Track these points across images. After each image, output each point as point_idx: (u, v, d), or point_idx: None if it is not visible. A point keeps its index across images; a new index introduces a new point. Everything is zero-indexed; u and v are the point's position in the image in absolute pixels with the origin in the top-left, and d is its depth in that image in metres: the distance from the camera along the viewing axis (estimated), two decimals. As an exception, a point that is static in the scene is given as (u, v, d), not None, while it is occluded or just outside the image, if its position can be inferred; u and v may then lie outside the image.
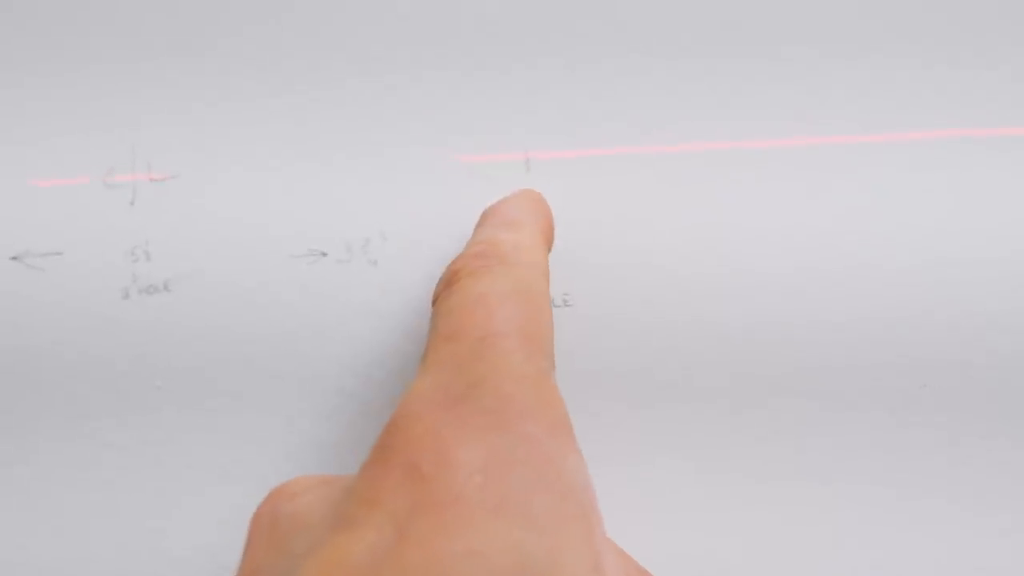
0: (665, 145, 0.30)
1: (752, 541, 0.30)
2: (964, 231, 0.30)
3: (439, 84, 0.31)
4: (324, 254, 0.31)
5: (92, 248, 0.31)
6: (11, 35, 0.32)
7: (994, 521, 0.29)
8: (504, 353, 0.22)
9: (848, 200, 0.30)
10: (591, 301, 0.30)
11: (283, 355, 0.31)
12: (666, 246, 0.30)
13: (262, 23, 0.31)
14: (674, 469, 0.30)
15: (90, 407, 0.31)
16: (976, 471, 0.29)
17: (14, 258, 0.32)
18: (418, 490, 0.19)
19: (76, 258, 0.31)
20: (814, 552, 0.30)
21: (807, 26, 0.30)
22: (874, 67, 0.30)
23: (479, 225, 0.28)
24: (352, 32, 0.31)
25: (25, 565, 0.31)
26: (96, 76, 0.32)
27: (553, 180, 0.31)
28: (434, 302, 0.25)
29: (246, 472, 0.31)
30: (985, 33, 0.30)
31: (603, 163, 0.31)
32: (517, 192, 0.29)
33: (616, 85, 0.31)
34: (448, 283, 0.24)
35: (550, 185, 0.30)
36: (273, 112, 0.31)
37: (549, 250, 0.28)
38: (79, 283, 0.31)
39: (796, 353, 0.30)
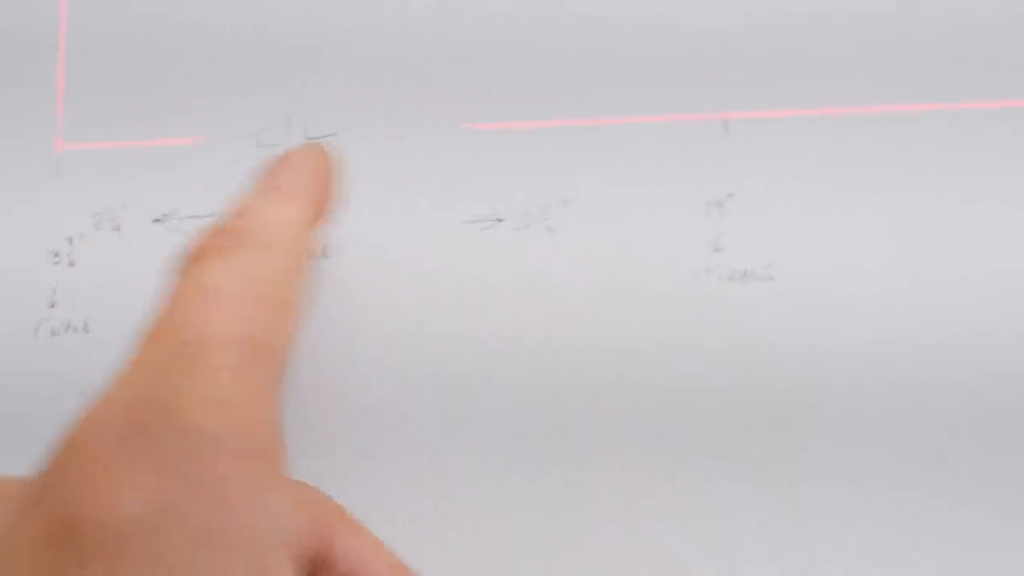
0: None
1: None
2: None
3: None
4: (500, 220, 0.28)
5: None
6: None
7: None
8: (209, 368, 0.19)
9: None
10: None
11: (458, 315, 0.28)
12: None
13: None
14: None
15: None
16: None
17: (157, 220, 0.29)
18: (69, 546, 0.17)
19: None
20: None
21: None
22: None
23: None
24: None
25: None
26: (245, 34, 0.30)
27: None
28: (171, 274, 0.21)
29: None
30: None
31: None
32: (300, 147, 0.25)
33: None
34: (187, 258, 0.21)
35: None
36: (436, 73, 0.29)
37: (321, 223, 0.24)
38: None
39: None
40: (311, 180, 0.24)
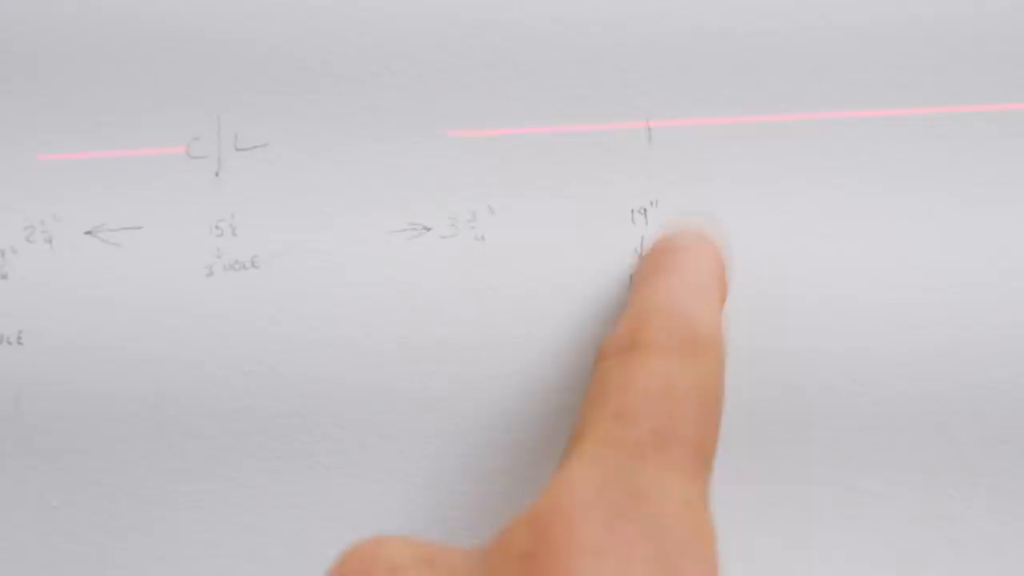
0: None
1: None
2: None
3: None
4: (427, 228, 0.28)
5: (174, 222, 0.29)
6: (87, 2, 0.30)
7: None
8: (673, 465, 0.20)
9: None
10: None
11: (381, 336, 0.28)
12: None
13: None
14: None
15: (169, 391, 0.28)
16: None
17: (89, 232, 0.29)
18: None
19: (156, 232, 0.29)
20: None
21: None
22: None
23: (654, 276, 0.25)
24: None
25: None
26: (177, 41, 0.30)
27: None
28: (603, 359, 0.22)
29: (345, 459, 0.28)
30: None
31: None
32: (699, 243, 0.26)
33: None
34: (631, 348, 0.22)
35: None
36: (371, 80, 0.29)
37: None
38: (159, 259, 0.29)
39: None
40: (716, 277, 0.25)
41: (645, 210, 0.28)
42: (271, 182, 0.29)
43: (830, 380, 0.27)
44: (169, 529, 0.28)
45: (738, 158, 0.28)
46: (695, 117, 0.28)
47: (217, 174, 0.29)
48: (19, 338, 0.29)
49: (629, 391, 0.21)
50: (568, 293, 0.28)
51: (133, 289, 0.29)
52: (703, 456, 0.20)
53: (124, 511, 0.28)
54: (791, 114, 0.28)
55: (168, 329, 0.29)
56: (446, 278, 0.28)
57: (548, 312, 0.28)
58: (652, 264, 0.26)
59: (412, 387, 0.28)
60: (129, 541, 0.28)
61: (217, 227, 0.29)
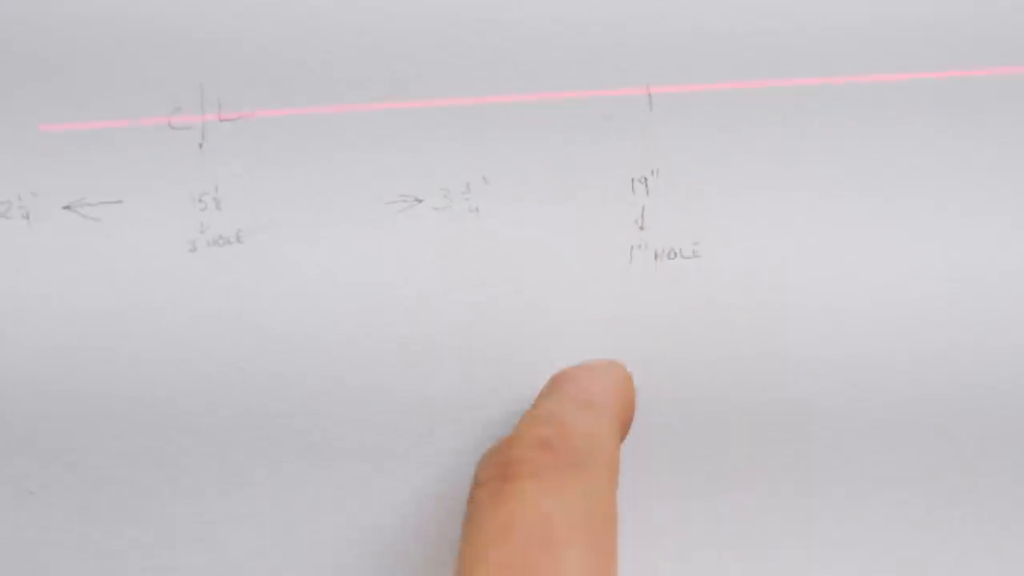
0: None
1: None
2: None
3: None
4: (419, 200, 0.27)
5: (155, 196, 0.28)
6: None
7: None
8: None
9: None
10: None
11: (372, 310, 0.27)
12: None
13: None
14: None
15: (150, 371, 0.27)
16: None
17: (67, 207, 0.28)
18: None
19: (137, 207, 0.28)
20: None
21: None
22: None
23: (548, 391, 0.24)
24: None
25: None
26: (158, 7, 0.28)
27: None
28: (478, 485, 0.20)
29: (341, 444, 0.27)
30: None
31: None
32: (602, 362, 0.25)
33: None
34: (503, 474, 0.20)
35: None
36: (358, 47, 0.28)
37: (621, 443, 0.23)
38: (140, 234, 0.28)
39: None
40: (617, 397, 0.23)
41: (646, 179, 0.27)
42: (257, 153, 0.28)
43: (830, 385, 0.26)
44: (151, 516, 0.27)
45: (742, 125, 0.27)
46: (698, 83, 0.27)
47: (200, 145, 0.28)
48: (-6, 317, 0.28)
49: (507, 543, 0.19)
50: (566, 267, 0.27)
51: (113, 265, 0.28)
52: None
53: (101, 497, 0.27)
54: (795, 79, 0.27)
55: (150, 306, 0.27)
56: (439, 251, 0.27)
57: (545, 287, 0.27)
58: (549, 385, 0.24)
59: (402, 365, 0.27)
60: (110, 528, 0.27)
61: (200, 200, 0.28)
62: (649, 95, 0.27)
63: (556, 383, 0.24)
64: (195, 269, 0.27)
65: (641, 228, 0.27)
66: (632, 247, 0.27)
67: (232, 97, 0.28)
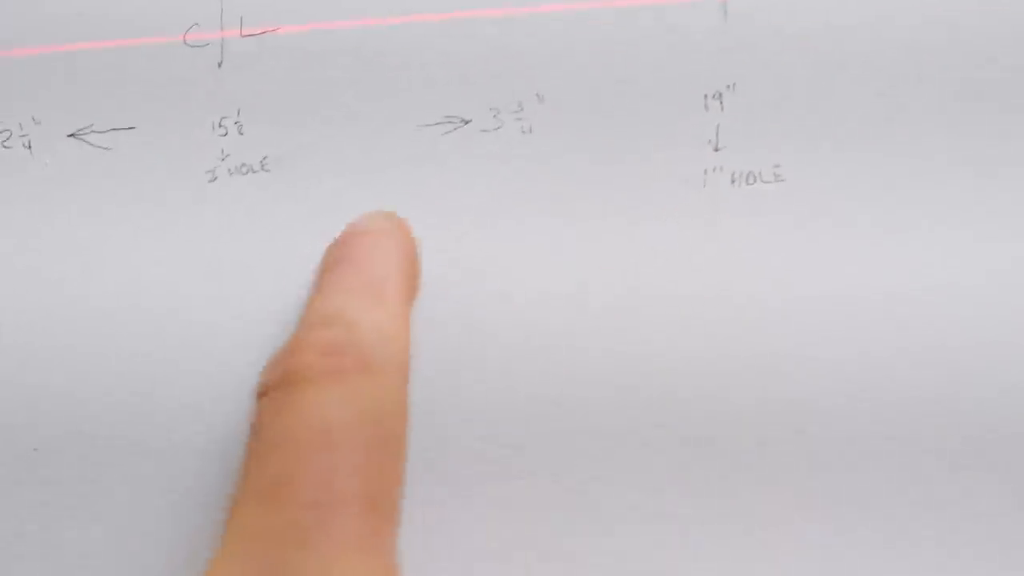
0: None
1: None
2: None
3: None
4: (465, 121, 0.25)
5: (171, 121, 0.25)
6: None
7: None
8: (340, 542, 0.17)
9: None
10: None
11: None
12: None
13: None
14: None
15: (167, 314, 0.25)
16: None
17: (73, 135, 0.26)
18: None
19: (151, 134, 0.25)
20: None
21: None
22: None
23: (327, 272, 0.22)
24: None
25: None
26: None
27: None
28: (261, 395, 0.19)
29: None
30: None
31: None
32: (379, 224, 0.23)
33: None
34: (286, 382, 0.19)
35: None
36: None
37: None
38: (155, 164, 0.25)
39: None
40: (402, 268, 0.22)
41: (720, 95, 0.24)
42: (282, 72, 0.25)
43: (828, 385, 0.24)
44: (155, 476, 0.24)
45: (826, 33, 0.24)
46: (777, -13, 0.24)
47: (220, 64, 0.25)
48: (-6, 257, 0.25)
49: (282, 456, 0.18)
50: (630, 195, 0.24)
51: (125, 198, 0.25)
52: (379, 509, 0.18)
53: (109, 459, 0.25)
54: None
55: (166, 242, 0.25)
56: (488, 179, 0.24)
57: (606, 217, 0.24)
58: (328, 258, 0.22)
59: (438, 302, 0.24)
60: (114, 492, 0.25)
61: (221, 125, 0.25)
62: (724, 2, 0.24)
63: (337, 264, 0.22)
64: (216, 201, 0.25)
65: (716, 149, 0.24)
66: (706, 170, 0.24)
67: (254, 10, 0.25)
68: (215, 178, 0.25)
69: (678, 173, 0.24)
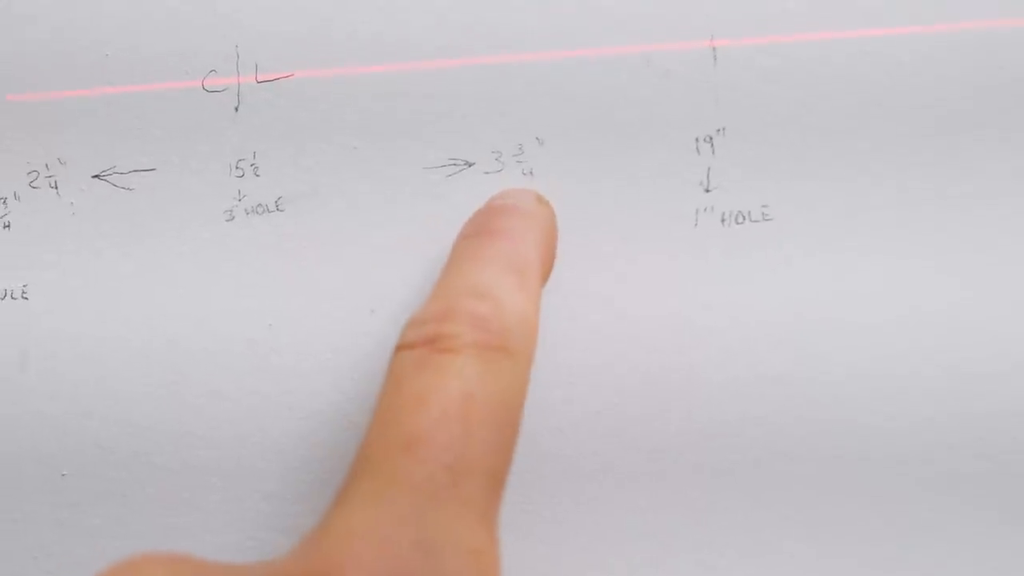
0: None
1: None
2: None
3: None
4: (469, 164, 0.26)
5: (190, 162, 0.26)
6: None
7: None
8: (466, 504, 0.18)
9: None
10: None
11: (423, 285, 0.26)
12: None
13: None
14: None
15: (186, 347, 0.26)
16: None
17: (97, 176, 0.27)
18: None
19: (171, 174, 0.26)
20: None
21: None
22: None
23: (476, 239, 0.22)
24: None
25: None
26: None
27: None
28: (403, 347, 0.20)
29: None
30: None
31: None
32: (528, 204, 0.24)
33: None
34: (432, 344, 0.19)
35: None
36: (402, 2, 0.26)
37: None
38: (175, 203, 0.26)
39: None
40: (546, 255, 0.23)
41: (711, 138, 0.25)
42: (296, 116, 0.26)
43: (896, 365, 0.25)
44: (183, 497, 0.26)
45: (813, 79, 0.25)
46: (765, 35, 0.25)
47: (236, 109, 0.26)
48: (24, 292, 0.26)
49: (423, 412, 0.18)
50: (627, 232, 0.25)
51: (147, 236, 0.26)
52: (496, 486, 0.19)
53: (135, 478, 0.26)
54: (870, 28, 0.25)
55: (185, 279, 0.26)
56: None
57: (605, 254, 0.25)
58: (475, 226, 0.23)
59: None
60: (142, 510, 0.26)
61: (238, 167, 0.26)
62: (713, 48, 0.26)
63: (489, 236, 0.22)
64: (234, 238, 0.26)
65: (707, 190, 0.25)
66: (697, 210, 0.25)
67: (269, 57, 0.26)
68: (232, 217, 0.26)
69: (671, 212, 0.25)
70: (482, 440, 0.18)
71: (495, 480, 0.18)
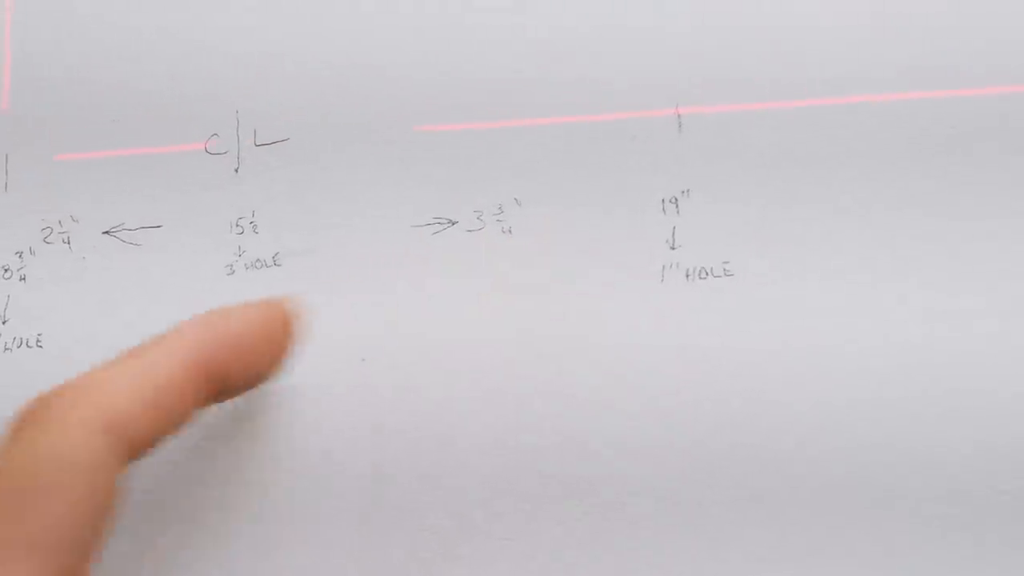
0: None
1: None
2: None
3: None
4: (452, 222, 0.28)
5: (194, 220, 0.28)
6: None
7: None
8: None
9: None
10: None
11: (412, 335, 0.27)
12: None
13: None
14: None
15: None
16: None
17: (107, 232, 0.29)
18: None
19: (176, 231, 0.28)
20: None
21: None
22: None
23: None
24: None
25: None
26: (193, 37, 0.29)
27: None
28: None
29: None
30: None
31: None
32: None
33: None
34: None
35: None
36: (390, 73, 0.28)
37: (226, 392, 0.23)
38: (180, 258, 0.28)
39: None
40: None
41: (676, 200, 0.27)
42: (292, 178, 0.28)
43: (867, 408, 0.27)
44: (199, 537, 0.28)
45: (773, 145, 0.27)
46: (727, 103, 0.28)
47: (237, 171, 0.28)
48: (38, 341, 0.28)
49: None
50: (598, 287, 0.27)
51: (153, 289, 0.28)
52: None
53: (149, 519, 0.28)
54: (828, 98, 0.27)
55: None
56: (473, 272, 0.27)
57: (578, 307, 0.27)
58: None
59: (436, 387, 0.27)
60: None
61: (238, 225, 0.28)
62: (678, 116, 0.28)
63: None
64: (234, 292, 0.28)
65: (672, 248, 0.27)
66: (664, 266, 0.27)
67: (267, 123, 0.28)
68: (233, 272, 0.28)
69: (639, 269, 0.27)
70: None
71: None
